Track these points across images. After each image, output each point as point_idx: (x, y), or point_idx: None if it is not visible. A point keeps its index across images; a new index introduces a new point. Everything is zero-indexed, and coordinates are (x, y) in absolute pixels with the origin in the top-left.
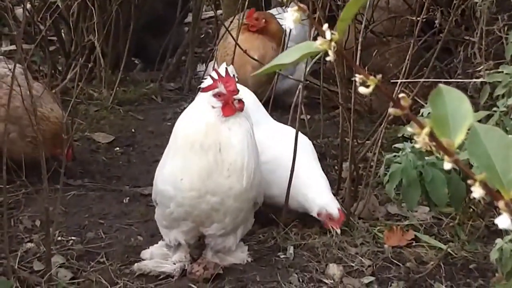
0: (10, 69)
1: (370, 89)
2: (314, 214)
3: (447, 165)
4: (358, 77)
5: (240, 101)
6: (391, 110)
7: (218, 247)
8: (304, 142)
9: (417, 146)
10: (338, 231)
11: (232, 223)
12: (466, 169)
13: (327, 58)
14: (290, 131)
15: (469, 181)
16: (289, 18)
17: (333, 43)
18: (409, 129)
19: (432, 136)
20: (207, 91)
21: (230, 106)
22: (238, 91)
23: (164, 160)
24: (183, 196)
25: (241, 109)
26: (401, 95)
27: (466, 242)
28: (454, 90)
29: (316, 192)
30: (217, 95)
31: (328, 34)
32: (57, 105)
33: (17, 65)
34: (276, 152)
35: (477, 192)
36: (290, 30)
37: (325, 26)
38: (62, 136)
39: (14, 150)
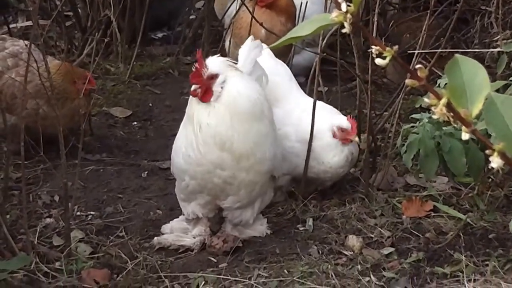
0: (21, 47)
1: (386, 61)
2: (331, 139)
3: (465, 136)
4: (374, 49)
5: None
6: (408, 81)
7: (235, 220)
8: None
9: (434, 117)
10: (356, 139)
11: (247, 196)
12: (484, 139)
13: (343, 30)
14: (318, 104)
15: (487, 151)
16: None
17: (348, 15)
18: (426, 100)
19: (449, 106)
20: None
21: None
22: (195, 83)
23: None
24: (194, 170)
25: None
26: (417, 66)
27: (485, 212)
28: (470, 60)
29: (320, 119)
30: None
31: (343, 6)
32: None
33: (27, 42)
34: (303, 124)
35: (496, 161)
36: (307, 3)
37: None
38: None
39: (47, 125)
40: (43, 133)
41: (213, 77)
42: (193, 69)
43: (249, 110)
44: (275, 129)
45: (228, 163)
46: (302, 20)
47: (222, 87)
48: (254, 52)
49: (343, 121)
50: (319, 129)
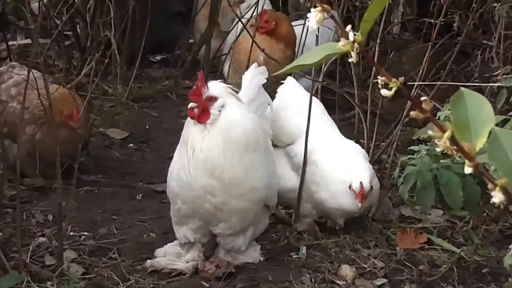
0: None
1: (392, 91)
2: (347, 188)
3: (468, 170)
4: (380, 79)
5: (192, 109)
6: (412, 113)
7: (227, 247)
8: (354, 146)
9: (437, 149)
10: (359, 205)
11: (240, 223)
12: (486, 173)
13: (350, 60)
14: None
15: (489, 186)
16: (312, 18)
17: (356, 45)
18: (429, 132)
19: (453, 140)
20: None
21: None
22: (193, 102)
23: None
24: (186, 194)
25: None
26: (422, 98)
27: (480, 246)
28: (475, 94)
29: (348, 167)
30: None
31: (351, 35)
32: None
33: (33, 70)
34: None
35: (497, 197)
36: (307, 32)
37: (348, 27)
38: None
39: (44, 150)
40: (41, 158)
41: (212, 99)
42: (193, 87)
43: (242, 139)
44: (272, 160)
45: (218, 189)
46: (302, 48)
47: (220, 111)
48: (258, 78)
49: (356, 184)
50: (341, 176)
